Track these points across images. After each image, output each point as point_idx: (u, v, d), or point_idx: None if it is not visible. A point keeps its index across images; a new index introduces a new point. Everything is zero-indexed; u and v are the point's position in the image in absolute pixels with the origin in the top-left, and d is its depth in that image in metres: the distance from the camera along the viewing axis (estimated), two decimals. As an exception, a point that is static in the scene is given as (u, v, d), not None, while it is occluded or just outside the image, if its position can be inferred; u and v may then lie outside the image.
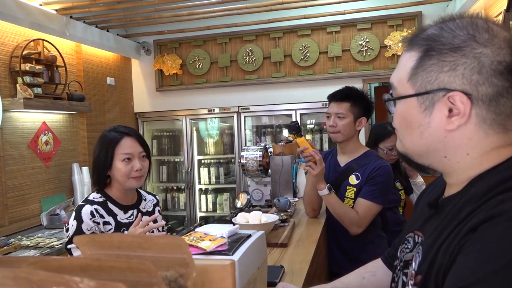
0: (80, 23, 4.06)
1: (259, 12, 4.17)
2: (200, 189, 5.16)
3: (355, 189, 2.09)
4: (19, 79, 3.36)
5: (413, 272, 0.76)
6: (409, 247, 0.82)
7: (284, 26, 4.56)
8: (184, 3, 3.85)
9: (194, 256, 1.02)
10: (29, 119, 3.58)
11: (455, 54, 0.67)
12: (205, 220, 5.17)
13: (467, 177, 0.71)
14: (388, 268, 1.07)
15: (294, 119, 4.54)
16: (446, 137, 0.70)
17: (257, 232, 1.21)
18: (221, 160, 5.17)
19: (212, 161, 5.16)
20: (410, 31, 4.28)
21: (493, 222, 0.59)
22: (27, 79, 3.40)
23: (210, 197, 5.13)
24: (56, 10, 3.72)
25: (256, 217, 1.75)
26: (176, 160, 5.23)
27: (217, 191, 5.17)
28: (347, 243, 2.11)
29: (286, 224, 2.00)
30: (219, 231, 1.12)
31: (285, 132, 4.84)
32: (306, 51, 4.56)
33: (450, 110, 0.68)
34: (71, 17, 3.95)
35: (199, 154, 5.16)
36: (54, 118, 3.85)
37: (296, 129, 2.18)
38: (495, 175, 0.67)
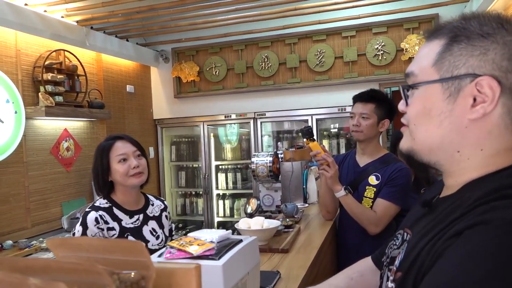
0: (100, 33, 4.20)
1: (273, 19, 4.21)
2: (218, 194, 5.22)
3: (374, 189, 2.13)
4: (42, 88, 3.51)
5: (394, 268, 0.76)
6: (397, 243, 0.82)
7: (299, 31, 4.58)
8: (200, 12, 3.93)
9: (181, 261, 1.06)
10: (51, 126, 3.72)
11: (485, 40, 0.66)
12: (223, 225, 5.23)
13: (466, 179, 0.70)
14: (376, 267, 1.06)
15: (309, 124, 4.55)
16: (467, 127, 0.68)
17: (249, 237, 1.24)
18: (238, 166, 5.22)
19: (229, 166, 5.22)
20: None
21: (479, 228, 0.57)
22: (49, 88, 3.55)
23: (227, 202, 5.18)
24: (77, 22, 3.87)
25: (258, 222, 1.78)
26: (194, 165, 5.31)
27: (234, 196, 5.21)
28: (362, 245, 2.10)
29: (291, 230, 2.01)
30: (209, 236, 1.15)
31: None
32: (321, 56, 4.57)
33: (474, 100, 0.66)
34: (91, 28, 4.09)
35: (216, 159, 5.22)
36: (75, 125, 3.98)
37: (309, 133, 2.25)
38: (494, 181, 0.65)
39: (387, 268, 0.82)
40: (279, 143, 5.01)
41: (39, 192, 3.57)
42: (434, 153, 0.73)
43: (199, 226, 5.30)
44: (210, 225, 5.11)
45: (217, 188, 5.19)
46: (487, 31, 0.67)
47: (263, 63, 4.75)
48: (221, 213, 5.19)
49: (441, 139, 0.71)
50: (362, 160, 2.26)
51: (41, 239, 3.39)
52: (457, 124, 0.68)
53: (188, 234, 1.21)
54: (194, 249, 1.07)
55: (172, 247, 1.11)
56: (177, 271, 0.67)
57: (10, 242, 3.10)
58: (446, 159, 0.72)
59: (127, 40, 4.65)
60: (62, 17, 3.73)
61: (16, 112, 3.25)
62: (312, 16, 4.23)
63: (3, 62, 3.28)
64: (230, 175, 5.16)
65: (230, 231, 1.24)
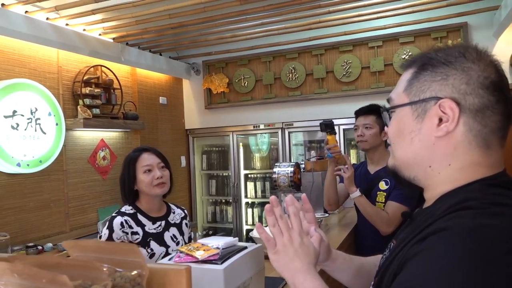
0: (135, 49, 4.45)
1: (300, 31, 4.31)
2: (247, 203, 5.34)
3: (385, 193, 2.29)
4: (80, 101, 3.77)
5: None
6: (386, 253, 0.90)
7: (325, 43, 4.65)
8: (227, 27, 4.09)
9: (188, 264, 1.18)
10: (89, 136, 3.98)
11: (446, 67, 0.76)
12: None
13: (440, 192, 0.77)
14: None
15: (336, 134, 4.61)
16: (434, 144, 0.76)
17: (254, 245, 1.34)
18: (267, 175, 5.31)
19: (258, 175, 5.33)
20: (455, 42, 4.19)
21: (439, 235, 0.65)
22: (87, 101, 3.80)
23: (256, 210, 5.29)
24: (113, 39, 4.12)
25: (272, 230, 1.86)
26: (224, 174, 5.46)
27: (263, 205, 5.30)
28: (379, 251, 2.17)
29: (305, 238, 2.08)
30: (216, 243, 1.26)
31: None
32: (348, 66, 4.62)
33: (440, 120, 0.75)
34: (126, 44, 4.34)
35: (245, 168, 5.35)
36: (111, 135, 4.23)
37: (330, 127, 2.48)
38: (459, 194, 0.73)
39: (377, 277, 0.90)
40: (312, 151, 5.07)
41: (77, 199, 3.82)
42: (411, 169, 0.82)
43: (228, 233, 5.43)
44: (239, 233, 5.23)
45: (246, 196, 5.31)
46: (449, 60, 0.76)
47: (291, 74, 4.86)
48: (249, 221, 5.30)
49: (414, 155, 0.79)
50: (372, 168, 2.43)
51: (78, 242, 3.61)
52: (426, 141, 0.77)
53: (198, 240, 1.33)
54: (200, 254, 1.18)
55: (181, 252, 1.23)
56: (170, 272, 0.78)
57: (50, 244, 3.33)
58: (421, 174, 0.80)
59: (160, 54, 4.89)
60: (100, 35, 3.99)
61: (57, 124, 3.51)
62: (338, 28, 4.30)
63: (47, 78, 3.56)
64: (259, 183, 5.27)
65: (236, 238, 1.34)
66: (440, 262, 0.62)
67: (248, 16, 3.78)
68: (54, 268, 0.66)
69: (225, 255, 1.19)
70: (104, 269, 0.73)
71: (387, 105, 0.87)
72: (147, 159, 1.94)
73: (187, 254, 1.19)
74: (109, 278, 0.65)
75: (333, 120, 2.58)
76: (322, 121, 2.55)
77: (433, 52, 0.80)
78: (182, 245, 2.01)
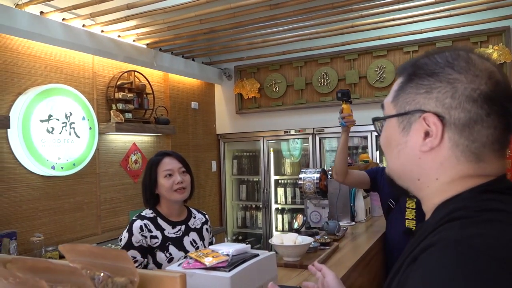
0: (168, 54, 4.53)
1: (332, 36, 4.25)
2: (277, 209, 5.29)
3: (414, 210, 2.18)
4: (113, 106, 3.87)
5: None
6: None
7: (358, 47, 4.56)
8: (257, 32, 4.09)
9: (195, 271, 1.16)
10: (121, 140, 4.07)
11: (431, 79, 0.71)
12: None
13: (433, 205, 0.73)
14: None
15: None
16: (420, 158, 0.73)
17: (266, 252, 1.31)
18: (298, 181, 5.23)
19: (288, 181, 5.27)
20: (496, 47, 3.99)
21: (429, 252, 0.61)
22: (120, 106, 3.90)
23: (286, 216, 5.23)
24: (146, 45, 4.22)
25: (291, 238, 1.83)
26: (254, 179, 5.45)
27: (293, 211, 5.25)
28: None
29: (328, 247, 2.03)
30: (226, 249, 1.24)
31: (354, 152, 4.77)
32: (381, 72, 4.50)
33: (427, 133, 0.71)
34: (160, 49, 4.43)
35: (276, 174, 5.31)
36: (143, 139, 4.32)
37: (347, 95, 2.53)
38: (447, 206, 0.69)
39: None
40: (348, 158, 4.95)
41: (109, 201, 3.91)
42: (402, 180, 0.79)
43: (258, 239, 5.41)
44: (268, 239, 5.17)
45: (276, 202, 5.26)
46: (435, 71, 0.71)
47: (322, 79, 4.79)
48: (279, 227, 5.25)
49: (402, 168, 0.77)
50: None
51: (109, 244, 3.69)
52: (412, 155, 0.74)
53: (209, 246, 1.31)
54: (208, 261, 1.16)
55: (190, 258, 1.21)
56: (164, 279, 0.76)
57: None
58: (412, 186, 0.77)
59: (193, 60, 4.95)
60: (134, 41, 4.09)
61: (90, 128, 3.62)
62: (371, 32, 4.20)
63: (82, 83, 3.68)
64: (289, 189, 5.22)
65: (249, 245, 1.31)
66: (428, 282, 0.58)
67: (279, 21, 3.76)
68: (43, 273, 0.66)
69: (234, 262, 1.17)
70: (101, 275, 0.72)
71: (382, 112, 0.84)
72: (168, 164, 1.94)
73: (196, 260, 1.18)
74: (99, 285, 0.64)
75: (349, 89, 2.58)
76: (339, 90, 2.61)
77: (423, 59, 0.75)
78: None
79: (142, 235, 1.82)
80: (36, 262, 0.68)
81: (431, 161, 0.72)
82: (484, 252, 0.56)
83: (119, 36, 3.92)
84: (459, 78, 0.69)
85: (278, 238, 1.85)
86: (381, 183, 2.44)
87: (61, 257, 3.21)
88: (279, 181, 5.32)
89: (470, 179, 0.70)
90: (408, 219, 2.21)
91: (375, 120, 0.83)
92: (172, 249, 1.87)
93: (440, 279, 0.56)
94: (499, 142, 0.69)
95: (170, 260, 1.85)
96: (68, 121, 3.44)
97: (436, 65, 0.72)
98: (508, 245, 0.57)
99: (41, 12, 3.27)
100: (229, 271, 1.12)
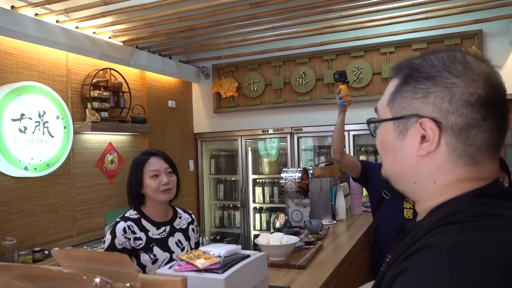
0: (145, 52, 4.45)
1: (311, 36, 4.27)
2: (255, 208, 5.28)
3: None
4: (89, 105, 3.76)
5: None
6: (382, 269, 0.86)
7: (337, 48, 4.60)
8: (236, 31, 4.07)
9: (187, 273, 1.13)
10: (97, 140, 3.97)
11: (428, 83, 0.71)
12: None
13: (429, 207, 0.74)
14: None
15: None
16: (417, 162, 0.73)
17: (257, 253, 1.29)
18: (276, 180, 5.25)
19: (266, 180, 5.27)
20: (470, 50, 4.11)
21: (423, 252, 0.61)
22: (96, 104, 3.80)
23: (264, 215, 5.23)
24: (123, 42, 4.12)
25: (277, 238, 1.82)
26: (232, 178, 5.42)
27: (271, 210, 5.25)
28: None
29: (312, 246, 2.03)
30: (218, 250, 1.21)
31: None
32: (359, 72, 4.56)
33: (423, 137, 0.71)
34: (136, 47, 4.34)
35: (254, 173, 5.30)
36: (119, 139, 4.22)
37: (344, 76, 2.63)
38: (446, 208, 0.69)
39: None
40: (322, 157, 5.01)
41: (84, 203, 3.80)
42: (399, 183, 0.79)
43: (236, 238, 5.38)
44: (246, 238, 5.17)
45: (254, 201, 5.25)
46: (431, 74, 0.71)
47: (301, 79, 4.81)
48: (257, 227, 5.24)
49: (398, 172, 0.77)
50: None
51: (85, 246, 3.60)
52: (408, 160, 0.74)
53: (200, 248, 1.28)
54: (201, 262, 1.14)
55: (181, 260, 1.18)
56: (165, 283, 0.74)
57: (57, 249, 3.31)
58: (408, 189, 0.78)
59: (170, 58, 4.88)
60: (109, 38, 3.99)
61: (65, 127, 3.51)
62: (350, 33, 4.25)
63: (55, 81, 3.56)
64: (267, 189, 5.22)
65: (239, 246, 1.29)
66: (422, 282, 0.58)
67: (259, 20, 3.75)
68: (40, 280, 0.62)
69: (226, 263, 1.15)
70: (97, 280, 0.69)
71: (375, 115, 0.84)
72: (155, 164, 1.90)
73: (188, 263, 1.15)
74: (96, 291, 0.61)
75: (345, 70, 2.73)
76: (336, 71, 2.70)
77: (419, 60, 0.75)
78: (187, 251, 1.97)
79: (125, 237, 1.78)
80: (33, 270, 0.64)
81: (428, 165, 0.72)
82: (481, 259, 0.56)
83: (94, 32, 3.82)
84: (457, 83, 0.69)
85: (264, 238, 1.83)
86: (372, 176, 2.49)
87: (35, 261, 3.09)
88: (257, 180, 5.31)
89: (467, 182, 0.71)
90: (406, 208, 2.28)
91: (369, 122, 0.83)
92: (156, 250, 1.83)
93: (433, 283, 0.56)
94: (494, 145, 0.70)
95: (155, 261, 1.81)
96: (42, 120, 3.32)
97: (433, 68, 0.71)
98: (505, 253, 0.57)
99: (12, 7, 3.14)
100: (223, 272, 1.10)
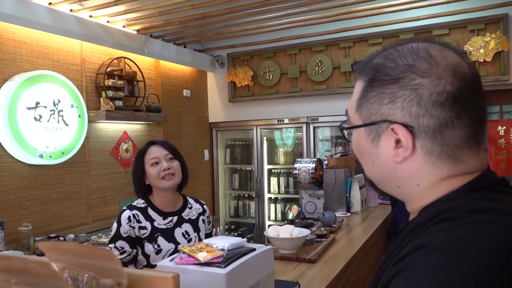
0: (159, 41, 4.42)
1: (327, 23, 4.16)
2: (270, 198, 5.25)
3: None
4: (103, 93, 3.76)
5: None
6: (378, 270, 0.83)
7: (354, 35, 4.48)
8: (251, 18, 3.99)
9: (188, 266, 1.10)
10: (112, 129, 3.98)
11: (393, 86, 0.66)
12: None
13: (419, 207, 0.70)
14: None
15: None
16: (396, 168, 0.69)
17: (263, 246, 1.25)
18: (291, 170, 5.19)
19: (282, 170, 5.22)
20: (494, 35, 3.94)
21: (416, 254, 0.58)
22: (110, 93, 3.80)
23: (279, 206, 5.19)
24: (136, 31, 4.10)
25: (287, 230, 1.77)
26: (247, 168, 5.39)
27: (286, 201, 5.21)
28: None
29: (324, 239, 1.98)
30: (221, 243, 1.17)
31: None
32: (377, 60, 4.43)
33: (398, 141, 0.67)
34: (150, 35, 4.31)
35: (269, 163, 5.25)
36: (133, 128, 4.22)
37: None
38: (436, 206, 0.65)
39: None
40: (339, 147, 4.92)
41: (99, 190, 3.83)
42: (382, 186, 0.76)
43: (251, 228, 5.37)
44: (261, 228, 5.15)
45: (269, 191, 5.22)
46: (395, 76, 0.66)
47: (317, 67, 4.71)
48: (272, 217, 5.21)
49: (380, 177, 0.74)
50: None
51: (100, 234, 3.62)
52: (386, 166, 0.70)
53: (204, 240, 1.25)
54: (203, 256, 1.10)
55: (183, 252, 1.15)
56: (155, 280, 0.70)
57: (72, 235, 3.35)
58: (392, 192, 0.75)
59: (185, 46, 4.84)
60: (124, 26, 3.97)
61: (79, 116, 3.52)
62: (367, 19, 4.12)
63: (70, 70, 3.57)
64: (282, 179, 5.17)
65: (245, 239, 1.25)
66: (417, 284, 0.55)
67: (273, 7, 3.66)
68: (19, 274, 0.59)
69: (230, 257, 1.10)
70: (85, 275, 0.66)
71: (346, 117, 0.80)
72: (154, 152, 1.90)
73: (189, 255, 1.11)
74: (83, 286, 0.57)
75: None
76: (355, 62, 2.49)
77: (382, 60, 0.70)
78: (194, 242, 1.94)
79: (130, 226, 1.78)
80: (12, 263, 0.61)
81: (407, 169, 0.69)
82: (475, 258, 0.53)
83: (108, 21, 3.80)
84: (423, 83, 0.64)
85: (273, 230, 1.79)
86: None
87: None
88: (272, 170, 5.27)
89: (453, 179, 0.67)
90: None
91: (342, 128, 0.79)
92: (161, 240, 1.81)
93: (427, 284, 0.54)
94: (473, 139, 0.66)
95: (158, 252, 1.80)
96: (56, 109, 3.34)
97: (396, 69, 0.67)
98: (500, 250, 0.54)
99: (27, -5, 3.14)
100: (225, 267, 1.06)
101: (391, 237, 0.77)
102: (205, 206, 2.09)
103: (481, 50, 3.98)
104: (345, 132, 0.79)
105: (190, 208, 2.01)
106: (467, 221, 0.58)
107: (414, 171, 0.68)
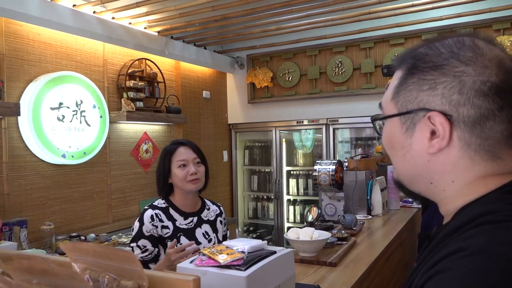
0: (179, 42, 4.45)
1: (347, 23, 4.12)
2: (288, 200, 5.21)
3: None
4: (124, 94, 3.81)
5: None
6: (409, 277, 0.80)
7: (375, 35, 4.42)
8: (271, 19, 3.98)
9: (208, 269, 1.09)
10: (132, 129, 4.02)
11: (435, 73, 0.64)
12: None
13: (455, 208, 0.66)
14: None
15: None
16: (429, 161, 0.66)
17: (284, 249, 1.23)
18: (310, 172, 5.15)
19: (301, 172, 5.19)
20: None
21: (454, 257, 0.56)
22: (131, 94, 3.84)
23: (298, 208, 5.15)
24: (158, 32, 4.13)
25: (308, 233, 1.75)
26: (266, 170, 5.37)
27: (305, 203, 5.17)
28: None
29: (345, 243, 1.94)
30: (242, 246, 1.16)
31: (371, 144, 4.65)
32: (399, 61, 4.35)
33: (433, 133, 0.64)
34: (171, 37, 4.34)
35: (288, 165, 5.22)
36: (154, 128, 4.26)
37: (393, 72, 2.35)
38: (473, 209, 0.62)
39: None
40: (359, 149, 4.86)
41: (120, 191, 3.87)
42: (413, 184, 0.72)
43: (269, 230, 5.35)
44: (280, 230, 5.12)
45: (288, 193, 5.19)
46: (438, 63, 0.64)
47: (337, 68, 4.67)
48: (291, 219, 5.18)
49: (411, 172, 0.70)
50: None
51: (120, 234, 3.66)
52: (419, 158, 0.67)
53: (224, 242, 1.24)
54: (223, 258, 1.09)
55: (204, 254, 1.14)
56: (176, 282, 0.69)
57: (92, 235, 3.39)
58: (425, 190, 0.71)
59: (205, 48, 4.86)
60: (145, 28, 4.01)
61: (101, 117, 3.57)
62: (389, 19, 4.06)
63: (92, 71, 3.62)
64: (301, 181, 5.13)
65: (265, 241, 1.23)
66: (461, 283, 0.52)
67: (293, 8, 3.64)
68: (40, 275, 0.59)
69: (250, 260, 1.09)
70: (106, 277, 0.66)
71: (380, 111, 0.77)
72: (183, 154, 1.89)
73: (209, 257, 1.10)
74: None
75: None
76: (385, 65, 2.44)
77: (424, 49, 0.67)
78: (214, 243, 1.94)
79: (152, 225, 1.78)
80: (34, 262, 0.61)
81: (442, 163, 0.65)
82: None
83: (130, 23, 3.85)
84: (466, 71, 0.62)
85: (293, 232, 1.77)
86: None
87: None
88: (291, 172, 5.23)
89: (491, 178, 0.63)
90: None
91: (374, 119, 0.77)
92: (183, 240, 1.82)
93: (477, 284, 0.50)
94: None
95: (182, 251, 1.80)
96: (79, 109, 3.39)
97: (440, 56, 0.64)
98: None
99: (51, -2, 3.20)
100: (245, 270, 1.04)
101: (423, 243, 0.75)
102: (221, 208, 2.09)
103: (507, 50, 3.86)
104: (377, 124, 0.76)
105: (208, 209, 2.02)
106: (509, 225, 0.55)
107: (449, 165, 0.65)
